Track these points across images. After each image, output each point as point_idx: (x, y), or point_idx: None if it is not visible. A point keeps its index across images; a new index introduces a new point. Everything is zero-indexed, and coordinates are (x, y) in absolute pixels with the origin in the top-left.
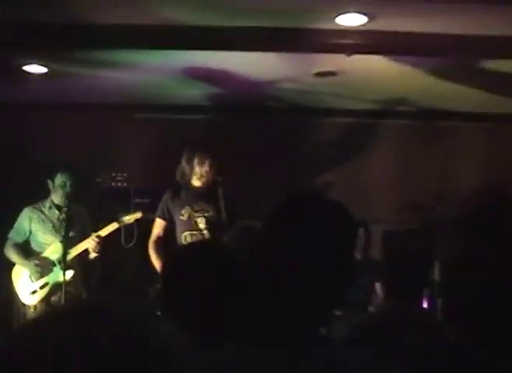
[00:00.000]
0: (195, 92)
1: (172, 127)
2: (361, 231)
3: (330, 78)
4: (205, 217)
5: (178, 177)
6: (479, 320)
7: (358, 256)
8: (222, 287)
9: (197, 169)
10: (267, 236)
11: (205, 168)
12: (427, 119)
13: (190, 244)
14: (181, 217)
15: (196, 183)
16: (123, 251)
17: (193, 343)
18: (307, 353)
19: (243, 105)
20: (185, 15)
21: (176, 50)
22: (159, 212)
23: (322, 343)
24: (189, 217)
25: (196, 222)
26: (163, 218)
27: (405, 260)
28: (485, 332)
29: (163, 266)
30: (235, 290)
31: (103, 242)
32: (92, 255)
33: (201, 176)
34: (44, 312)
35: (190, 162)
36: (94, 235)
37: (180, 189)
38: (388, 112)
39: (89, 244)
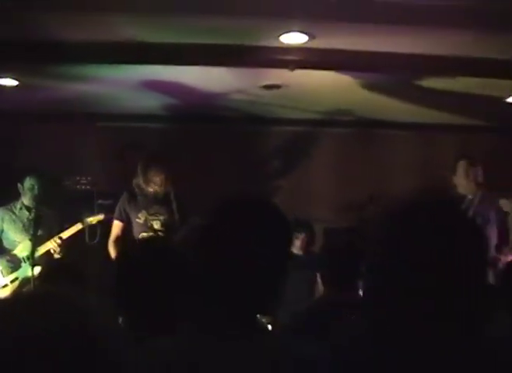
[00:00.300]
0: (153, 103)
1: (131, 135)
2: (303, 230)
3: (275, 91)
4: (159, 220)
5: (134, 184)
6: (401, 309)
7: (300, 251)
8: (168, 279)
9: (151, 179)
10: (208, 235)
11: (159, 178)
12: (364, 127)
13: (139, 240)
14: (138, 220)
15: (151, 189)
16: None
17: (141, 332)
18: (249, 339)
19: (197, 114)
20: (144, 33)
21: (135, 64)
22: (116, 214)
23: (263, 330)
24: (145, 220)
25: (152, 224)
26: (121, 220)
27: (339, 255)
28: (406, 321)
29: (115, 260)
30: (180, 281)
31: (66, 243)
32: (55, 256)
33: (155, 184)
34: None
35: (144, 173)
36: (56, 237)
37: (136, 193)
38: (329, 121)
39: (52, 245)
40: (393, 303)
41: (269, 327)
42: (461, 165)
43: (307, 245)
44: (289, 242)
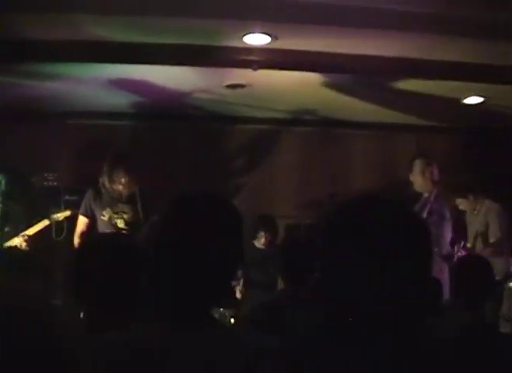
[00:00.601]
0: (121, 101)
1: (99, 132)
2: (267, 226)
3: (239, 90)
4: (123, 218)
5: (100, 182)
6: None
7: (263, 246)
8: (124, 274)
9: (117, 178)
10: (162, 231)
11: (124, 177)
12: (325, 126)
13: (96, 236)
14: (103, 218)
15: (116, 187)
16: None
17: (99, 325)
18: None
19: (164, 112)
20: (112, 32)
21: (103, 63)
22: (82, 210)
23: (216, 323)
24: (110, 218)
25: (116, 223)
26: (86, 216)
27: (297, 250)
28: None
29: (73, 255)
30: (137, 276)
31: (32, 239)
32: (22, 251)
33: (121, 183)
34: None
35: (110, 171)
36: (22, 234)
37: (102, 191)
38: (291, 120)
39: (19, 241)
40: (338, 300)
41: (232, 321)
42: (417, 164)
43: (270, 241)
44: (242, 237)
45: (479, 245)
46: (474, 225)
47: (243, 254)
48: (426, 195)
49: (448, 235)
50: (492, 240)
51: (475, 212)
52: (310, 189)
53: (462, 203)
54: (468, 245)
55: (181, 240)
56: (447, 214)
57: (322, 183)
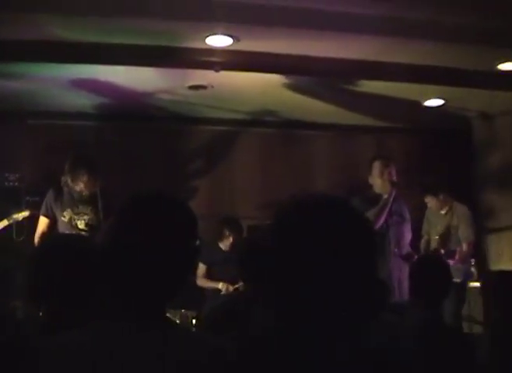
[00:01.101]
0: (82, 101)
1: (61, 133)
2: (232, 227)
3: (202, 91)
4: (84, 219)
5: (62, 182)
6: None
7: (228, 248)
8: (81, 273)
9: (78, 179)
10: (119, 230)
11: (86, 178)
12: (287, 128)
13: (53, 237)
14: (63, 219)
15: (78, 188)
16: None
17: (55, 323)
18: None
19: (126, 113)
20: (75, 32)
21: (65, 63)
22: (43, 210)
23: (171, 324)
24: (70, 219)
25: (76, 224)
26: (46, 216)
27: (255, 251)
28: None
29: (31, 255)
30: (92, 277)
31: None
32: None
33: (82, 183)
34: None
35: (72, 172)
36: None
37: (63, 190)
38: (253, 121)
39: None
40: (286, 301)
41: (194, 321)
42: (376, 166)
43: (234, 243)
44: (197, 238)
45: (453, 246)
46: (439, 225)
47: (197, 255)
48: (385, 196)
49: (408, 235)
50: (465, 243)
51: (443, 212)
52: (272, 190)
53: (431, 201)
54: (436, 237)
55: (134, 241)
56: (407, 215)
57: (284, 184)
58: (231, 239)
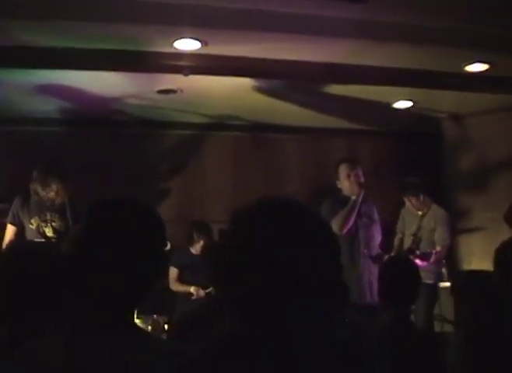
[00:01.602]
0: (49, 107)
1: (27, 139)
2: (202, 232)
3: (171, 95)
4: (52, 226)
5: (31, 189)
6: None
7: (197, 251)
8: (46, 280)
9: (47, 186)
10: (85, 236)
11: (54, 185)
12: (257, 131)
13: (17, 244)
14: (30, 226)
15: (46, 195)
16: None
17: (20, 330)
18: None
19: (93, 118)
20: (42, 38)
21: (32, 69)
22: (10, 218)
23: (137, 331)
24: (38, 226)
25: (44, 231)
26: (14, 224)
27: (219, 255)
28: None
29: None
30: (59, 282)
31: None
32: None
33: (51, 190)
34: None
35: (41, 179)
36: None
37: (29, 197)
38: (223, 125)
39: None
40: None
41: (166, 327)
42: (342, 169)
43: (205, 247)
44: (163, 243)
45: (425, 248)
46: (414, 225)
47: (166, 260)
48: (353, 198)
49: (378, 236)
50: (439, 245)
51: (420, 213)
52: (243, 193)
53: (411, 201)
54: (411, 236)
55: (100, 247)
56: (376, 216)
57: (254, 187)
58: (201, 243)
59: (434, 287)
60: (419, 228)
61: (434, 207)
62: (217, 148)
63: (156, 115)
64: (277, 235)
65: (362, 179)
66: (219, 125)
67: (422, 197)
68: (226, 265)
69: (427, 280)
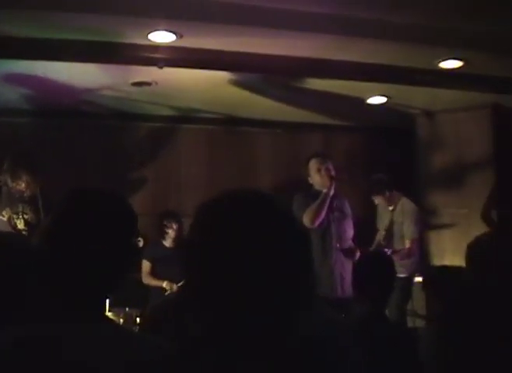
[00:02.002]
0: (20, 97)
1: None
2: (171, 223)
3: (146, 88)
4: (23, 218)
5: (2, 182)
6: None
7: (171, 245)
8: (16, 272)
9: (18, 177)
10: (55, 228)
11: (26, 177)
12: (232, 125)
13: None
14: (2, 218)
15: (17, 187)
16: None
17: None
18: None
19: (67, 110)
20: (13, 27)
21: (5, 58)
22: None
23: (109, 323)
24: (9, 218)
25: (15, 223)
26: None
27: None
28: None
29: None
30: (29, 275)
31: None
32: None
33: (22, 182)
34: None
35: (12, 170)
36: None
37: (1, 189)
38: (198, 118)
39: None
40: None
41: (138, 320)
42: (312, 164)
43: (178, 240)
44: (134, 235)
45: (396, 242)
46: (386, 219)
47: (136, 252)
48: (324, 191)
49: (350, 230)
50: (408, 239)
51: (390, 208)
52: (217, 186)
53: (378, 199)
54: (381, 236)
55: (70, 238)
56: (348, 211)
57: (229, 181)
58: (172, 235)
59: (407, 281)
60: (391, 223)
61: (403, 200)
62: (191, 141)
63: (130, 107)
64: (243, 228)
65: (332, 173)
66: (194, 118)
67: (387, 194)
68: (188, 259)
69: (400, 274)
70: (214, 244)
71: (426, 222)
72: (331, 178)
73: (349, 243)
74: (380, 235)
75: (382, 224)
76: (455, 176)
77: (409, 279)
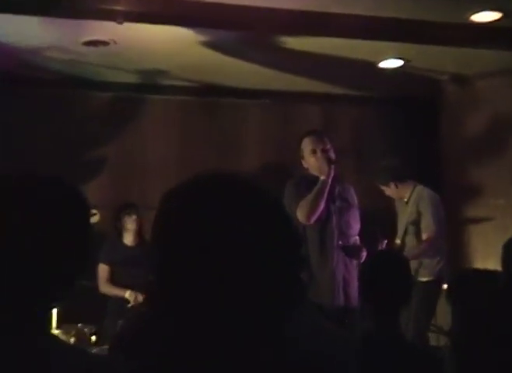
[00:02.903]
0: None
1: None
2: (130, 216)
3: (102, 48)
4: None
5: None
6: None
7: (130, 242)
8: None
9: None
10: None
11: None
12: (209, 95)
13: None
14: None
15: None
16: None
17: None
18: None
19: (6, 75)
20: None
21: None
22: None
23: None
24: None
25: None
26: None
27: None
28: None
29: None
30: None
31: None
32: None
33: None
34: None
35: None
36: None
37: None
38: (167, 87)
39: None
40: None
41: (93, 338)
42: (306, 144)
43: (139, 236)
44: (86, 229)
45: (411, 242)
46: (404, 216)
47: (88, 251)
48: (322, 178)
49: (355, 224)
50: (425, 235)
51: (405, 200)
52: (192, 169)
53: (387, 190)
54: (398, 241)
55: (2, 234)
56: (354, 200)
57: (206, 163)
58: (133, 232)
59: (431, 287)
60: (409, 218)
61: (418, 189)
62: (160, 116)
63: (84, 72)
64: (216, 220)
65: (332, 155)
66: (162, 87)
67: (394, 185)
68: (155, 258)
69: (422, 277)
70: (181, 240)
71: (455, 214)
72: (331, 161)
73: (354, 240)
74: (399, 236)
75: (400, 221)
76: (491, 158)
77: (434, 284)
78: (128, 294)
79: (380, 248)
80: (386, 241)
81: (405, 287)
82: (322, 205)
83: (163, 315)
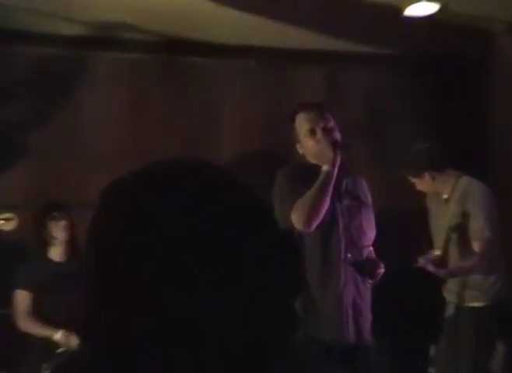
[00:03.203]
0: None
1: None
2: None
3: None
4: None
5: None
6: None
7: (60, 257)
8: None
9: None
10: None
11: None
12: (169, 52)
13: None
14: None
15: None
16: None
17: None
18: None
19: None
20: None
21: None
22: None
23: None
24: None
25: None
26: None
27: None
28: None
29: None
30: None
31: None
32: None
33: None
34: None
35: None
36: None
37: None
38: (114, 40)
39: None
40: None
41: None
42: (301, 122)
43: (71, 247)
44: None
45: (455, 253)
46: (443, 219)
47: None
48: (325, 168)
49: (370, 230)
50: (476, 244)
51: (445, 197)
52: (148, 155)
53: (419, 184)
54: (437, 252)
55: None
56: (367, 197)
57: (166, 147)
58: (62, 241)
59: (485, 315)
60: (451, 222)
61: (463, 181)
62: (107, 79)
63: (10, 22)
64: (175, 223)
65: (337, 136)
66: (109, 40)
67: (429, 176)
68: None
69: (471, 302)
70: (128, 248)
71: (507, 217)
72: (335, 145)
73: (368, 252)
74: (438, 245)
75: (435, 224)
76: None
77: (489, 311)
78: (59, 335)
79: (424, 263)
80: (437, 253)
81: (434, 316)
82: (326, 205)
83: (104, 357)
